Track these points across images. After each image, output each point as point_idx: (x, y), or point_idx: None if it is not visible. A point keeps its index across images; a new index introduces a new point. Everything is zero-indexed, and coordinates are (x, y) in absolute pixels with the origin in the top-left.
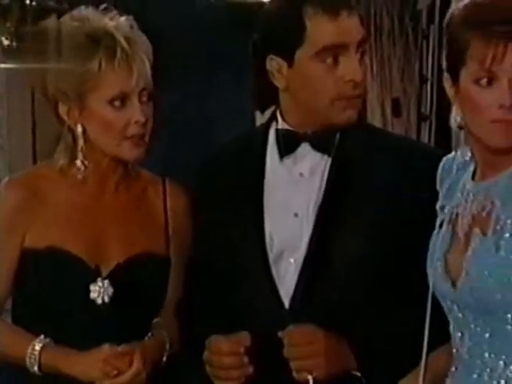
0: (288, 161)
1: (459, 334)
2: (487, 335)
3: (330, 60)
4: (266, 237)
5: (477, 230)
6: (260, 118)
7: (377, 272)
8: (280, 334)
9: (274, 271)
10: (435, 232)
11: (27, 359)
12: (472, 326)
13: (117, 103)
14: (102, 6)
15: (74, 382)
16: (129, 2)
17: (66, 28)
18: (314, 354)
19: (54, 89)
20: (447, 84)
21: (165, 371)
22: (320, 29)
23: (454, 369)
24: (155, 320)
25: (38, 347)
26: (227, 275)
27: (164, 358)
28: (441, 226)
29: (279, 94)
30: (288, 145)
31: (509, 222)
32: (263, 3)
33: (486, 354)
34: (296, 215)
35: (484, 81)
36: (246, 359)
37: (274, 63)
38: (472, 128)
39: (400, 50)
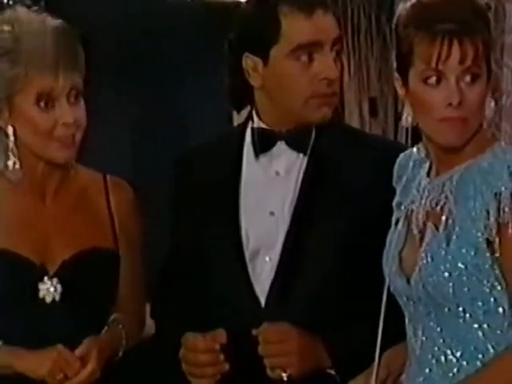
0: (264, 159)
1: (413, 330)
2: (439, 329)
3: (304, 58)
4: (243, 235)
5: (430, 225)
6: (237, 118)
7: (352, 271)
8: (254, 331)
9: (250, 269)
10: (391, 229)
11: None
12: (425, 320)
13: (42, 104)
14: (34, 8)
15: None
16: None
17: None
18: (287, 352)
19: None
20: (398, 84)
21: (138, 370)
22: (295, 27)
23: (408, 364)
24: (113, 316)
25: None
26: (203, 273)
27: (120, 353)
28: (397, 223)
29: (254, 92)
30: (264, 143)
31: (459, 216)
32: (240, 3)
33: (436, 348)
34: (272, 214)
35: (432, 80)
36: (221, 356)
37: (249, 61)
38: (423, 127)
39: (377, 50)
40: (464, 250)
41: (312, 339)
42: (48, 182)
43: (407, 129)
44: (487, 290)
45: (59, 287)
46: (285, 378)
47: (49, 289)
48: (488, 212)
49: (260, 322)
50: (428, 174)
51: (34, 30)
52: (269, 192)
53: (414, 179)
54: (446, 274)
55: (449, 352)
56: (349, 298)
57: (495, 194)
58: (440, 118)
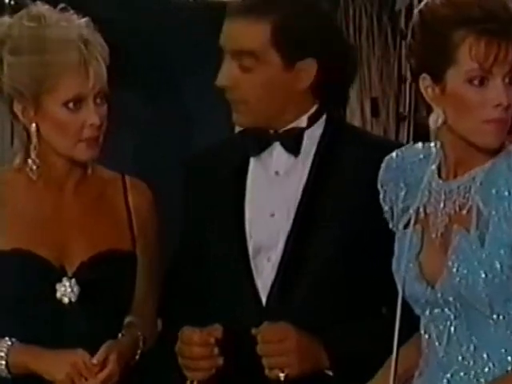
0: (264, 159)
1: (436, 332)
2: (468, 332)
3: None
4: (247, 235)
5: (457, 228)
6: None
7: (352, 272)
8: (254, 330)
9: (253, 268)
10: (399, 234)
11: None
12: (452, 323)
13: (71, 105)
14: (60, 6)
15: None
16: (105, 2)
17: (22, 28)
18: (285, 352)
19: (10, 88)
20: (424, 84)
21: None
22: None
23: (423, 366)
24: (128, 319)
25: (4, 348)
26: (207, 273)
27: (137, 357)
28: (405, 227)
29: None
30: (259, 144)
31: (492, 216)
32: None
33: (464, 351)
34: (272, 215)
35: (477, 80)
36: (216, 350)
37: None
38: (459, 128)
39: (379, 50)
40: (502, 251)
41: (310, 339)
42: (67, 180)
43: (409, 129)
44: None
45: (77, 288)
46: (282, 378)
47: (66, 290)
48: None
49: (261, 320)
50: (439, 175)
51: (62, 27)
52: (269, 192)
53: (417, 181)
54: (483, 275)
55: (477, 355)
56: (349, 298)
57: None
58: (486, 119)
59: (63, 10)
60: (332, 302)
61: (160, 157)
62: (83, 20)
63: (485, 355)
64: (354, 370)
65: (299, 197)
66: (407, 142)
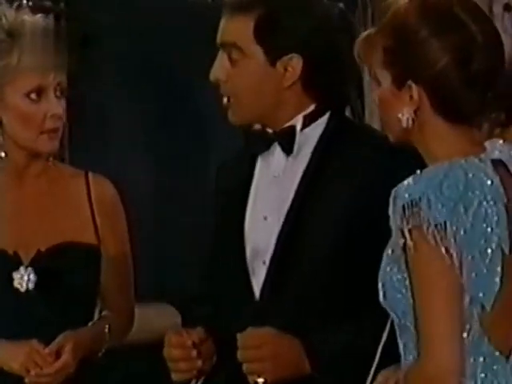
0: (267, 161)
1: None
2: None
3: None
4: (245, 238)
5: None
6: None
7: (342, 273)
8: (238, 335)
9: (250, 271)
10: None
11: None
12: None
13: (34, 96)
14: (16, 3)
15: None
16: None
17: None
18: (261, 358)
19: None
20: None
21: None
22: None
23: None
24: (103, 312)
25: None
26: (215, 276)
27: (102, 349)
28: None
29: None
30: (262, 143)
31: None
32: None
33: None
34: (265, 218)
35: None
36: (193, 353)
37: None
38: None
39: None
40: None
41: (290, 345)
42: (28, 172)
43: None
44: None
45: (33, 277)
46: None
47: (23, 278)
48: None
49: (256, 323)
50: None
51: (24, 21)
52: (266, 195)
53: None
54: None
55: None
56: (340, 298)
57: None
58: None
59: (19, 6)
60: (323, 303)
61: (178, 158)
62: (41, 15)
63: None
64: (342, 372)
65: (291, 199)
66: None
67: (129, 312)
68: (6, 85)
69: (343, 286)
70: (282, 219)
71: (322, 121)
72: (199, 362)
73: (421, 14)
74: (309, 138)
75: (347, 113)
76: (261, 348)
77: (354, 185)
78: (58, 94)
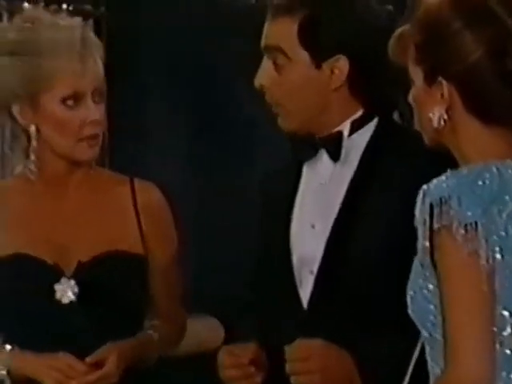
0: (313, 168)
1: None
2: None
3: None
4: (291, 248)
5: None
6: None
7: (390, 284)
8: (285, 348)
9: (297, 281)
10: None
11: None
12: None
13: (70, 102)
14: (53, 7)
15: None
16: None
17: (18, 28)
18: (309, 371)
19: (6, 90)
20: None
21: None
22: None
23: None
24: (151, 322)
25: (5, 356)
26: (260, 284)
27: (151, 360)
28: None
29: None
30: (307, 151)
31: None
32: None
33: None
34: (313, 226)
35: None
36: (252, 369)
37: None
38: None
39: None
40: None
41: (339, 358)
42: (69, 181)
43: None
44: None
45: (75, 288)
46: None
47: (65, 290)
48: None
49: (304, 334)
50: None
51: (58, 28)
52: (313, 203)
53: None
54: None
55: None
56: (385, 309)
57: None
58: None
59: (56, 10)
60: (372, 313)
61: (215, 165)
62: (78, 19)
63: None
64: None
65: (338, 207)
66: None
67: (179, 320)
68: (42, 92)
69: (392, 295)
70: (329, 227)
71: (370, 126)
72: (258, 378)
73: (454, 7)
74: (356, 144)
75: (395, 117)
76: (308, 360)
77: (403, 193)
78: (96, 99)
